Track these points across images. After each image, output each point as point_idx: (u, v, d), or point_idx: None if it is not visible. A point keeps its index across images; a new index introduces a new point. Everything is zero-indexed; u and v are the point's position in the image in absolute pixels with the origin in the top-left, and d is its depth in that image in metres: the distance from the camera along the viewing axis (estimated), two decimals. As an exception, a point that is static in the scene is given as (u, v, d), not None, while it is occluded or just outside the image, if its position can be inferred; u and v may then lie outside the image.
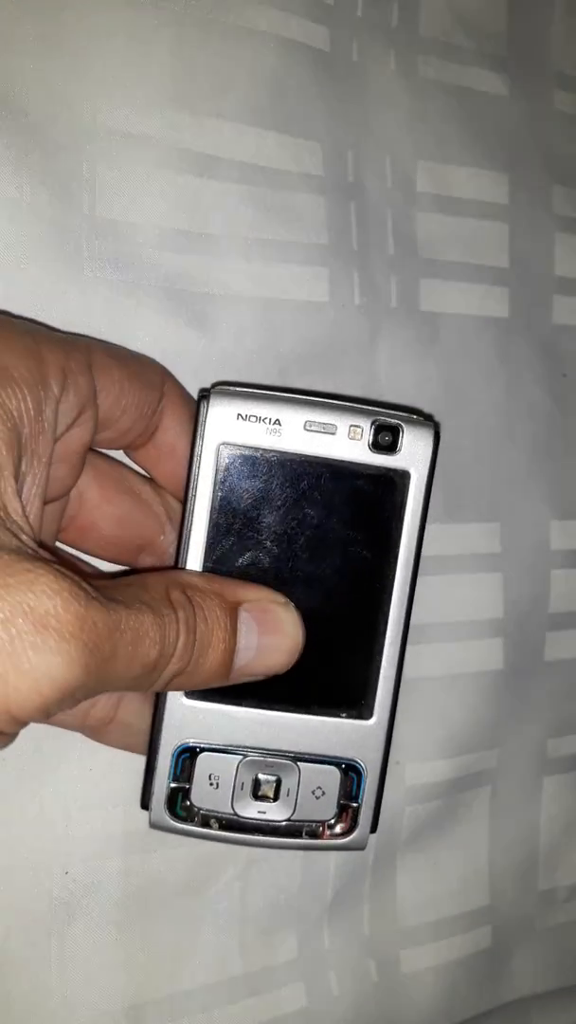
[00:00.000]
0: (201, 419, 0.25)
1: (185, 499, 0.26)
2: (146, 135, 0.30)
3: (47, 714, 0.19)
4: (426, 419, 0.27)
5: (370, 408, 0.26)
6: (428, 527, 0.35)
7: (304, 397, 0.26)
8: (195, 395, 0.29)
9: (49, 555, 0.20)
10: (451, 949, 0.39)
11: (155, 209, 0.30)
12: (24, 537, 0.20)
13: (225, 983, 0.33)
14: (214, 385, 0.26)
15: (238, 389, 0.26)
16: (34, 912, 0.29)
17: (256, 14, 0.32)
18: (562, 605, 0.39)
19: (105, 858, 0.30)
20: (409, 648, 0.35)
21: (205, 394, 0.25)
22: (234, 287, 0.32)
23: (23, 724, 0.19)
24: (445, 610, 0.37)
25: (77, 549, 0.28)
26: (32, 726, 0.28)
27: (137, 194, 0.30)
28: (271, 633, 0.24)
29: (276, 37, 0.32)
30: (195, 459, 0.25)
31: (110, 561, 0.29)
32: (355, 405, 0.26)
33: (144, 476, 0.29)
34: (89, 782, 0.30)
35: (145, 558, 0.28)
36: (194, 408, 0.26)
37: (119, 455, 0.29)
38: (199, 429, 0.25)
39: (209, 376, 0.31)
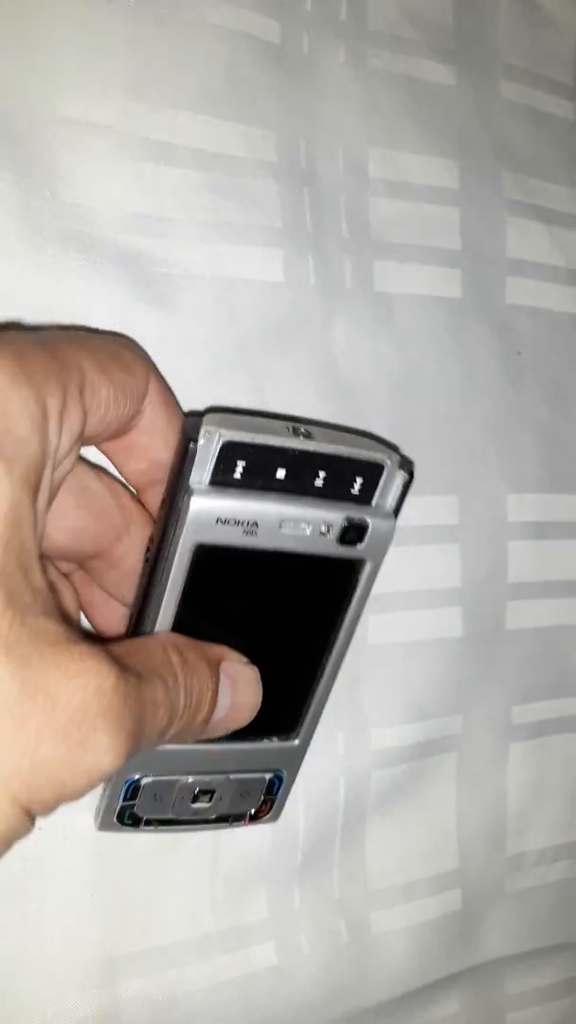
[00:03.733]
0: (178, 517, 0.24)
1: (150, 579, 0.26)
2: (104, 124, 0.31)
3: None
4: (404, 463, 0.28)
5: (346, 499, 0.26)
6: None
7: (284, 493, 0.25)
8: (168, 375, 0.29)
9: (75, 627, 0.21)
10: (421, 911, 0.40)
11: (114, 194, 0.32)
12: (56, 619, 0.20)
13: (198, 940, 0.34)
14: (207, 411, 0.27)
15: (217, 493, 0.25)
16: (7, 868, 0.30)
17: (209, 9, 0.34)
18: (521, 575, 0.41)
19: (77, 814, 0.31)
20: (371, 617, 0.37)
21: (192, 439, 0.24)
22: (192, 268, 0.33)
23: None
24: (404, 580, 0.38)
25: None
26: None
27: (96, 179, 0.31)
28: (240, 693, 0.26)
29: (228, 30, 0.34)
30: (166, 550, 0.25)
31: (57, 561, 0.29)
32: (327, 501, 0.26)
33: (100, 471, 0.28)
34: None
35: (97, 563, 0.28)
36: (173, 405, 0.27)
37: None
38: (175, 526, 0.24)
39: (170, 354, 0.32)
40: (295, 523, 0.25)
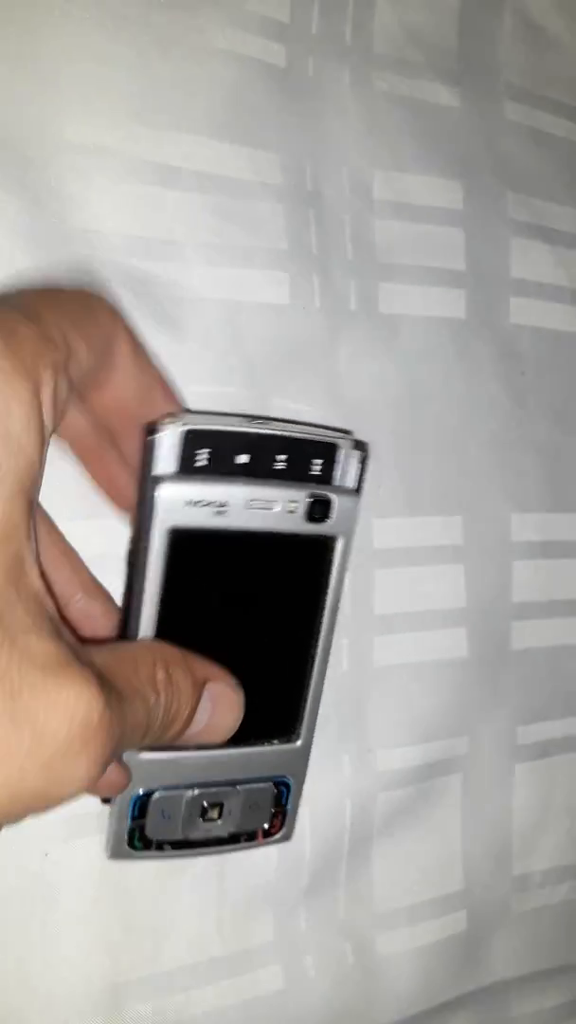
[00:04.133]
0: (151, 506, 0.25)
1: (132, 572, 0.27)
2: (112, 148, 0.32)
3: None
4: (358, 444, 0.29)
5: (308, 479, 0.28)
6: (391, 520, 0.37)
7: (248, 477, 0.27)
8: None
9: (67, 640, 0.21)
10: (427, 933, 0.39)
11: (121, 218, 0.32)
12: (48, 632, 0.20)
13: (203, 964, 0.34)
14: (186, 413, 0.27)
15: (185, 479, 0.26)
16: (16, 893, 0.30)
17: (214, 33, 0.34)
18: (525, 595, 0.41)
19: (83, 838, 0.31)
20: (375, 638, 0.37)
21: (154, 429, 0.25)
22: (199, 291, 0.33)
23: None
24: (409, 601, 0.38)
25: None
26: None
27: (104, 204, 0.31)
28: (220, 714, 0.26)
29: (234, 54, 0.34)
30: (143, 539, 0.26)
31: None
32: (291, 482, 0.27)
33: (58, 539, 0.29)
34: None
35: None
36: (142, 352, 0.26)
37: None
38: (149, 516, 0.26)
39: (177, 376, 0.32)
40: (262, 502, 0.27)
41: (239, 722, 0.27)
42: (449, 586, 0.39)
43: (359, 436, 0.36)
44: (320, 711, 0.35)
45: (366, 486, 0.36)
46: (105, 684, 0.20)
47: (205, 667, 0.26)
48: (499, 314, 0.41)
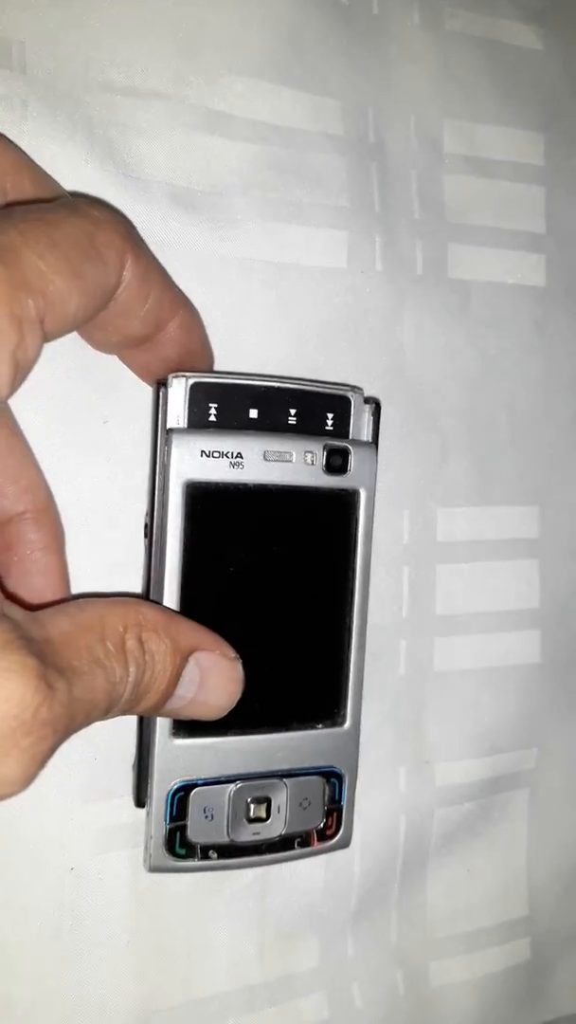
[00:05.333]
0: (165, 460, 0.26)
1: (151, 533, 0.26)
2: (153, 91, 0.28)
3: None
4: (370, 398, 0.28)
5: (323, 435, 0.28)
6: (458, 510, 0.34)
7: (261, 430, 0.27)
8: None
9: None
10: (485, 962, 0.36)
11: (164, 167, 0.29)
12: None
13: (243, 991, 0.31)
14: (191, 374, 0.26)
15: (197, 431, 0.26)
16: (39, 912, 0.28)
17: None
18: (606, 595, 0.37)
19: (112, 852, 0.28)
20: (437, 640, 0.34)
21: (163, 383, 0.26)
22: (246, 249, 0.30)
23: None
24: (478, 599, 0.34)
25: None
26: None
27: (145, 152, 0.28)
28: (211, 688, 0.24)
29: None
30: (160, 496, 0.26)
31: None
32: (308, 436, 0.27)
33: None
34: (93, 770, 0.28)
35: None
36: (155, 276, 0.24)
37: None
38: (164, 470, 0.26)
39: (218, 343, 0.29)
40: (278, 453, 0.26)
41: (236, 698, 0.25)
42: (521, 584, 0.35)
43: (424, 415, 0.33)
44: (375, 719, 0.32)
45: (428, 470, 0.32)
46: (51, 665, 0.19)
47: (193, 634, 0.23)
48: (582, 282, 0.36)
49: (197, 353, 0.26)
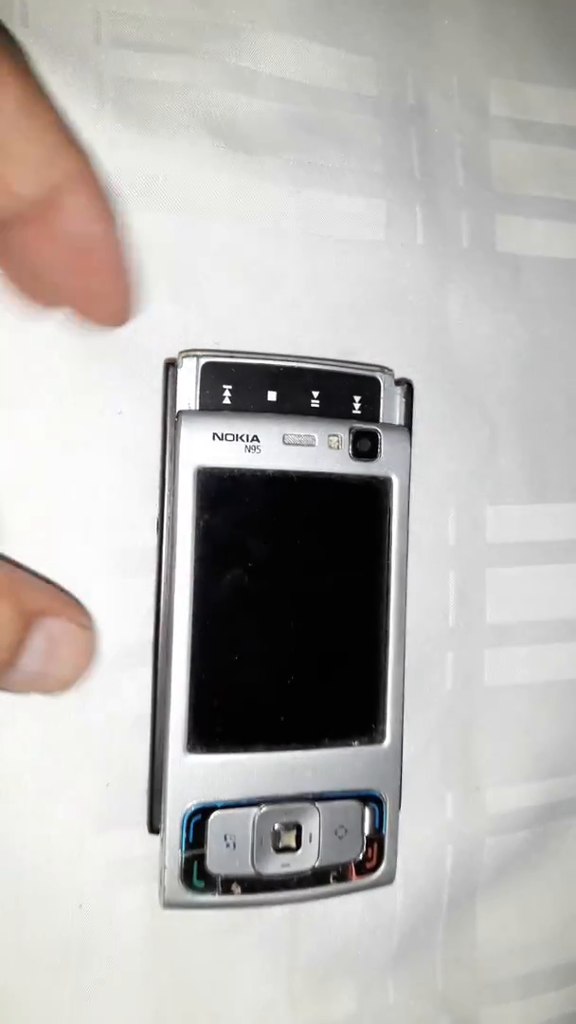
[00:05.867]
0: (174, 445, 0.24)
1: (161, 527, 0.24)
2: (168, 45, 0.26)
3: None
4: (400, 381, 0.27)
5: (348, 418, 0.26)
6: (509, 508, 0.31)
7: (280, 414, 0.25)
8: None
9: None
10: (542, 1008, 0.33)
11: (182, 125, 0.26)
12: None
13: (271, 1042, 0.28)
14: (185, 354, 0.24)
15: (209, 413, 0.24)
16: (44, 952, 0.25)
17: None
18: None
19: (125, 887, 0.26)
20: (487, 651, 0.30)
21: (172, 363, 0.24)
22: (272, 217, 0.27)
23: None
24: (532, 607, 0.31)
25: None
26: (44, 735, 0.25)
27: (159, 109, 0.26)
28: (59, 658, 0.21)
29: None
30: (169, 484, 0.24)
31: None
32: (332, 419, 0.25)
33: None
34: (105, 799, 0.25)
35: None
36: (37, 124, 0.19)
37: None
38: (174, 456, 0.24)
39: (241, 322, 0.27)
40: (300, 436, 0.24)
41: (84, 671, 0.22)
42: (581, 590, 0.32)
43: (472, 402, 0.30)
44: (418, 738, 0.29)
45: (476, 464, 0.30)
46: None
47: (42, 595, 0.21)
48: None
49: (97, 241, 0.21)
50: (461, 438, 0.30)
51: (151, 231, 0.26)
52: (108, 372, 0.25)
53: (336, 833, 0.25)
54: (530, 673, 0.31)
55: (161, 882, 0.24)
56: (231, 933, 0.27)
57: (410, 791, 0.29)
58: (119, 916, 0.26)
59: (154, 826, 0.24)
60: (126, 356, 0.25)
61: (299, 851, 0.25)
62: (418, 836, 0.30)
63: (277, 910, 0.28)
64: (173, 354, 0.25)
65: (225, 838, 0.24)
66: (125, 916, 0.26)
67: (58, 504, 0.25)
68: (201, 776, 0.24)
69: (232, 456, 0.24)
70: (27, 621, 0.20)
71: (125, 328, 0.24)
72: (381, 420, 0.26)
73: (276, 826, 0.25)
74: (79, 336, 0.24)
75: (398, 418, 0.26)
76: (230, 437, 0.24)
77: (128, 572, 0.25)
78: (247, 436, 0.24)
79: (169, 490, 0.24)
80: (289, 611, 0.25)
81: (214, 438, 0.24)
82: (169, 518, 0.24)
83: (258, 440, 0.24)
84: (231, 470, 0.24)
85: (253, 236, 0.27)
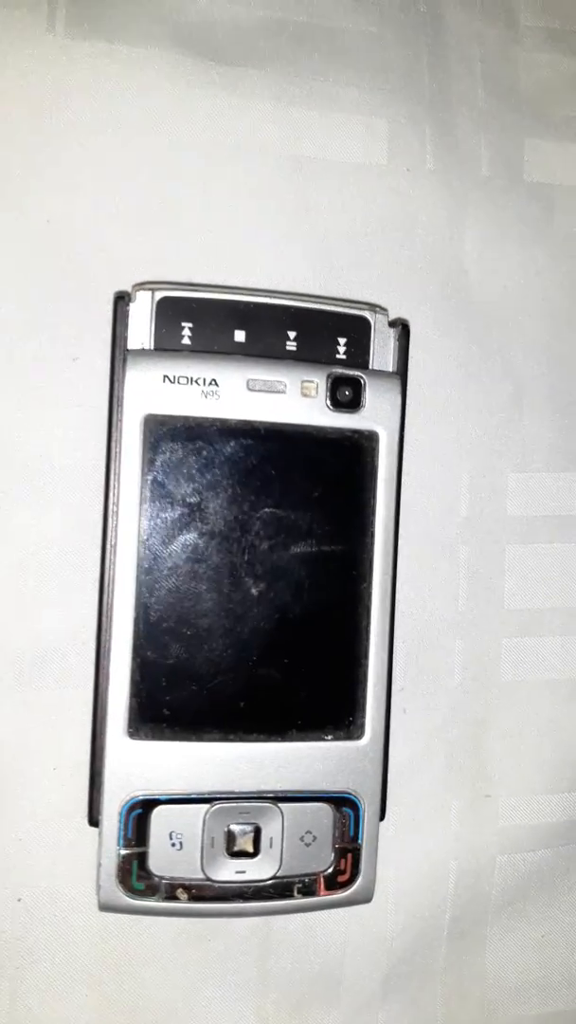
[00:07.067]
0: (120, 388, 0.21)
1: (107, 485, 0.22)
2: None
3: None
4: (395, 323, 0.23)
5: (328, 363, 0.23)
6: (534, 476, 0.27)
7: (247, 357, 0.22)
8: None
9: None
10: (564, 1054, 0.29)
11: (158, 36, 0.24)
12: None
13: (237, 1072, 0.25)
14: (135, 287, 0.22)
15: (161, 353, 0.22)
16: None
17: None
18: None
19: (72, 882, 0.23)
20: (504, 641, 0.27)
21: (123, 297, 0.22)
22: (259, 135, 0.25)
23: None
24: (551, 592, 0.28)
25: None
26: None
27: (118, 17, 0.23)
28: None
29: None
30: (115, 435, 0.21)
31: None
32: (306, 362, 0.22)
33: None
34: (51, 783, 0.23)
35: None
36: None
37: None
38: (117, 397, 0.21)
39: (228, 253, 0.24)
40: (267, 382, 0.22)
41: None
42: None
43: (492, 354, 0.26)
44: (419, 738, 0.27)
45: (496, 424, 0.26)
46: None
47: None
48: None
49: None
50: (479, 394, 0.27)
51: (113, 156, 0.23)
52: (61, 313, 0.23)
53: (302, 839, 0.23)
54: (553, 668, 0.28)
55: (97, 881, 0.22)
56: (192, 943, 0.25)
57: (407, 797, 0.26)
58: (62, 915, 0.24)
59: (93, 818, 0.22)
60: (83, 295, 0.23)
61: (258, 857, 0.22)
62: (417, 849, 0.27)
63: (244, 922, 0.25)
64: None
65: (171, 837, 0.22)
66: (69, 915, 0.24)
67: (7, 465, 0.23)
68: (143, 765, 0.21)
69: (186, 402, 0.21)
70: None
71: (81, 264, 0.22)
72: (371, 367, 0.23)
73: (230, 826, 0.22)
74: (30, 278, 0.22)
75: (391, 364, 0.23)
76: (183, 380, 0.21)
77: (83, 540, 0.23)
78: (203, 380, 0.21)
79: (115, 442, 0.21)
80: (250, 583, 0.22)
81: (165, 381, 0.21)
82: (115, 474, 0.21)
83: (216, 384, 0.21)
84: (184, 418, 0.21)
85: (231, 160, 0.24)
